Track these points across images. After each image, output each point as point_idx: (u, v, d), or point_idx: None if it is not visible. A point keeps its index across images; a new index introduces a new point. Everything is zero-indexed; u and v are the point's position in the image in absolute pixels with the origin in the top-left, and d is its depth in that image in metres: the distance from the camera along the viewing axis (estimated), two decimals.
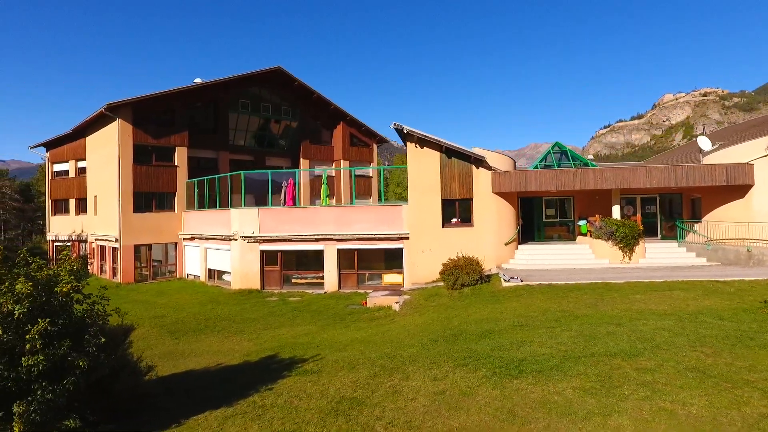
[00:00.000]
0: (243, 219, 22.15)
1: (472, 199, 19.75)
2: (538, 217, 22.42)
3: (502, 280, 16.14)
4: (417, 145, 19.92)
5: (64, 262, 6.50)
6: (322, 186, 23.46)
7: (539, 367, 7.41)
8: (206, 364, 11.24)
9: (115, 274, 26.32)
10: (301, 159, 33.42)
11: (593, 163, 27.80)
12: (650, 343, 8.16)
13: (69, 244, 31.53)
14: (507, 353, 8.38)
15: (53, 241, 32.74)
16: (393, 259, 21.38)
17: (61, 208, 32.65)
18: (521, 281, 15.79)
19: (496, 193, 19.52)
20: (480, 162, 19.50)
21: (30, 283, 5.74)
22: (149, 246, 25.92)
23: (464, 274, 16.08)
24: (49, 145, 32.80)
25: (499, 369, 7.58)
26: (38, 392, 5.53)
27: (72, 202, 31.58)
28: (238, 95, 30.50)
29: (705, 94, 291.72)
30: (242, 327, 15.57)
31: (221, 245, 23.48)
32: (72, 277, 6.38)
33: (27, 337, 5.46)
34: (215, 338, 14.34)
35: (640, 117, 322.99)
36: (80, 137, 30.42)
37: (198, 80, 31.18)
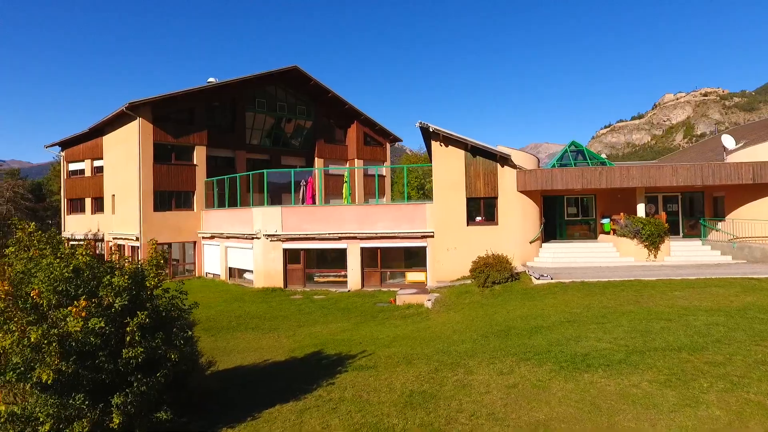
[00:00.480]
0: (266, 218, 22.23)
1: (496, 198, 19.84)
2: (560, 216, 22.52)
3: (532, 277, 16.23)
4: (442, 144, 20.01)
5: (153, 257, 6.59)
6: (345, 185, 23.54)
7: (606, 362, 7.49)
8: (252, 360, 11.31)
9: None
10: (316, 158, 33.50)
11: (610, 161, 27.89)
12: (709, 338, 8.25)
13: (84, 243, 31.54)
14: (566, 348, 8.46)
15: (68, 240, 32.71)
16: (416, 258, 21.48)
17: (76, 207, 32.71)
18: (551, 279, 15.87)
19: (521, 192, 19.61)
20: (505, 160, 19.60)
21: (126, 277, 5.83)
22: (169, 245, 25.97)
23: (495, 272, 16.17)
24: (65, 145, 32.87)
25: (564, 363, 7.67)
26: (134, 384, 5.62)
27: (88, 201, 31.63)
28: (254, 94, 30.58)
29: (705, 94, 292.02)
30: (275, 324, 15.65)
31: (243, 244, 23.55)
32: (158, 271, 6.48)
33: (127, 329, 5.54)
34: (251, 335, 14.41)
35: (640, 117, 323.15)
36: (97, 136, 30.48)
37: (212, 80, 31.25)
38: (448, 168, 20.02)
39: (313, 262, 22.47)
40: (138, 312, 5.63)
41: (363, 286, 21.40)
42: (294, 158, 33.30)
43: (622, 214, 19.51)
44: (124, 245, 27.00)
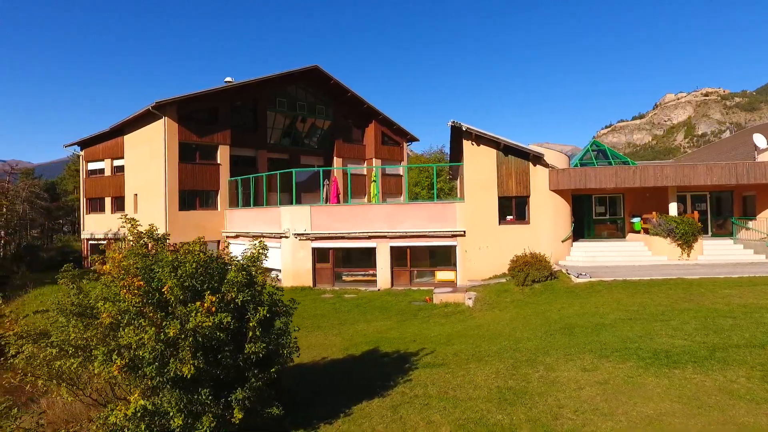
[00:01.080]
0: (294, 217, 22.27)
1: (528, 197, 19.89)
2: (588, 215, 22.57)
3: (571, 276, 16.28)
4: (473, 143, 20.05)
5: (254, 254, 6.63)
6: (373, 184, 23.57)
7: (692, 358, 7.54)
8: (310, 358, 11.33)
9: None
10: (335, 157, 33.52)
11: (632, 161, 27.94)
12: None
13: (105, 242, 31.61)
14: (642, 345, 8.51)
15: (88, 240, 32.80)
16: (445, 257, 21.51)
17: (95, 206, 32.69)
18: (590, 277, 15.93)
19: (553, 191, 19.66)
20: (538, 159, 19.65)
21: (244, 273, 5.87)
22: None
23: (534, 271, 16.22)
24: (84, 144, 32.87)
25: (648, 360, 7.71)
26: (251, 380, 5.66)
27: (108, 201, 31.61)
28: (275, 94, 30.60)
29: (706, 94, 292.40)
30: (316, 323, 15.68)
31: (269, 243, 23.51)
32: (261, 267, 6.53)
33: (249, 324, 5.58)
34: (296, 333, 14.40)
35: (641, 117, 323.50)
36: (116, 136, 30.49)
37: (229, 79, 31.28)
38: (480, 167, 20.06)
39: (341, 261, 22.51)
40: (259, 307, 5.67)
41: (392, 284, 21.43)
42: (313, 157, 33.32)
43: (654, 213, 19.56)
44: (149, 245, 26.93)
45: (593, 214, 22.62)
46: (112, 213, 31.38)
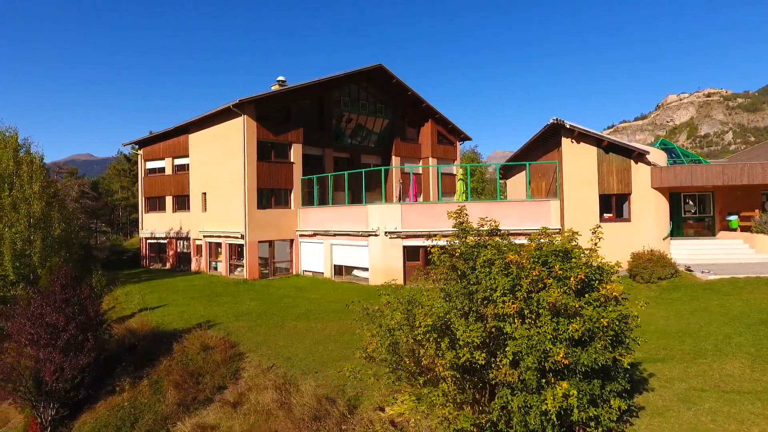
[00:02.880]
0: (384, 215, 22.21)
1: (629, 194, 19.90)
2: (677, 213, 22.59)
3: (695, 273, 16.30)
4: (573, 141, 20.05)
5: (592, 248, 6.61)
6: (459, 182, 23.55)
7: None
8: None
9: (231, 270, 26.34)
10: (393, 156, 33.48)
11: (705, 159, 28.01)
12: None
13: (165, 241, 31.50)
14: None
15: (147, 239, 32.66)
16: None
17: (155, 205, 32.56)
18: (714, 274, 15.95)
19: (654, 188, 19.68)
20: (641, 156, 19.66)
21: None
22: (270, 242, 25.91)
23: (659, 268, 16.23)
24: (142, 143, 32.77)
25: None
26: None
27: (169, 200, 31.50)
28: (340, 93, 30.55)
29: (709, 95, 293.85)
30: None
31: (354, 241, 23.52)
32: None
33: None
34: None
35: (644, 117, 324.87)
36: (179, 135, 30.39)
37: (281, 78, 31.30)
38: (579, 164, 20.06)
39: (429, 259, 22.41)
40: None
41: None
42: (372, 156, 33.27)
43: (757, 210, 19.61)
44: (221, 243, 26.91)
45: (682, 212, 22.65)
46: (173, 212, 31.28)
